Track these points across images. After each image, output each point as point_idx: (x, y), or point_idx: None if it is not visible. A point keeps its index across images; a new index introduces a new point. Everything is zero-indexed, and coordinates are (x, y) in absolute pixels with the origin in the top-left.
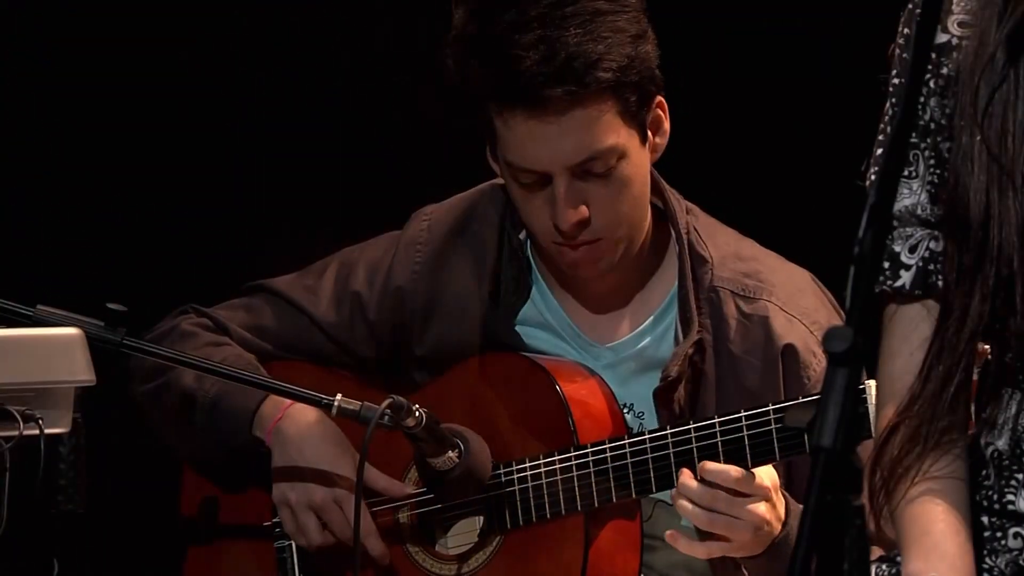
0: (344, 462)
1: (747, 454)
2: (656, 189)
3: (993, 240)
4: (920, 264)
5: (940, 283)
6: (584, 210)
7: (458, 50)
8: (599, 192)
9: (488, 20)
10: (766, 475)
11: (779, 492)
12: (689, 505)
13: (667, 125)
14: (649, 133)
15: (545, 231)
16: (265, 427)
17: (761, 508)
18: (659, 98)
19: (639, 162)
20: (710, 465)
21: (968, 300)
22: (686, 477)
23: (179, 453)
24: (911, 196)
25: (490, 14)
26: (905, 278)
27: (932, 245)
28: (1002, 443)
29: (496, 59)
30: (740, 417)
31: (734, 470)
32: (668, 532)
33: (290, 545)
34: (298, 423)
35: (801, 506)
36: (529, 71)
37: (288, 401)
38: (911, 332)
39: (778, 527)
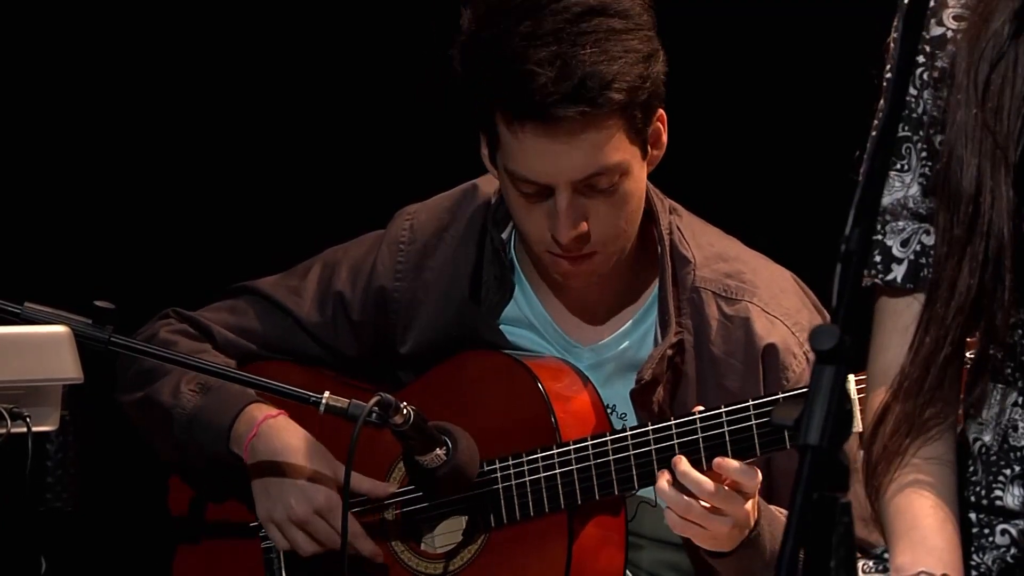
0: (322, 471)
1: (728, 451)
2: None
3: (984, 215)
4: (912, 258)
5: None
6: (584, 225)
7: (469, 55)
8: (600, 208)
9: (502, 29)
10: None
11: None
12: (670, 491)
13: (665, 138)
14: (648, 146)
15: (541, 240)
16: (241, 444)
17: (748, 506)
18: (660, 111)
19: (639, 177)
20: (727, 461)
21: (956, 273)
22: (685, 464)
23: (165, 459)
24: (903, 189)
25: (504, 23)
26: (897, 272)
27: (924, 239)
28: (989, 438)
29: (509, 72)
30: (720, 414)
31: (746, 467)
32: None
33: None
34: (271, 439)
35: (772, 508)
36: (543, 89)
37: (260, 417)
38: (902, 326)
39: (751, 525)
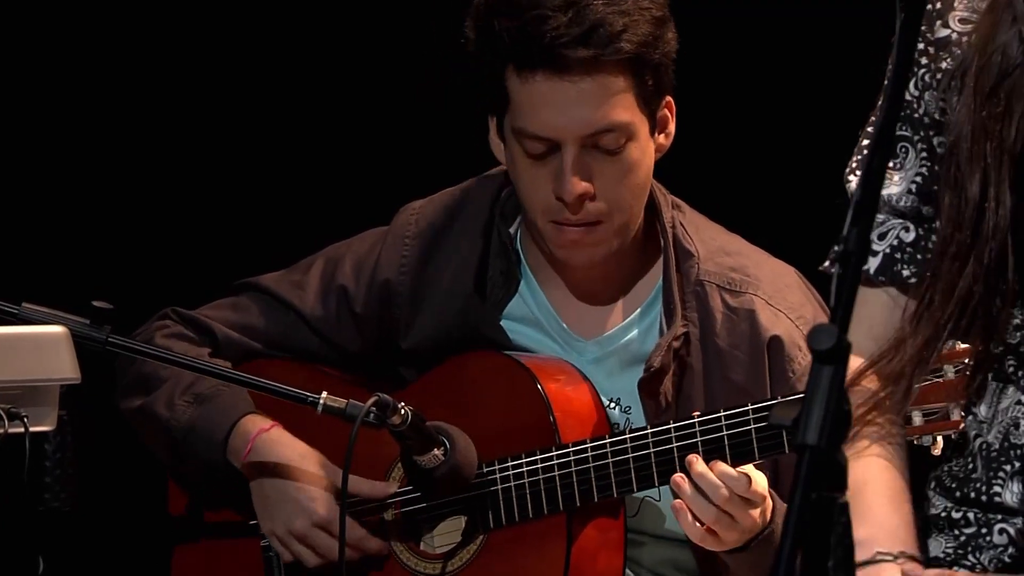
0: (320, 482)
1: (727, 454)
2: None
3: (988, 220)
4: (888, 251)
5: (905, 272)
6: (589, 185)
7: (482, 12)
8: (605, 170)
9: None
10: (763, 479)
11: (769, 494)
12: (696, 496)
13: (672, 127)
14: (656, 128)
15: (545, 207)
16: (238, 458)
17: (755, 513)
18: (669, 98)
19: (645, 150)
20: (723, 467)
21: (957, 276)
22: (701, 466)
23: (166, 464)
24: (891, 186)
25: None
26: (871, 263)
27: (902, 235)
28: (991, 436)
29: (523, 18)
30: (720, 417)
31: (743, 476)
32: (675, 502)
33: None
34: (267, 454)
35: (786, 504)
36: (555, 31)
37: (254, 431)
38: (868, 317)
39: (762, 526)
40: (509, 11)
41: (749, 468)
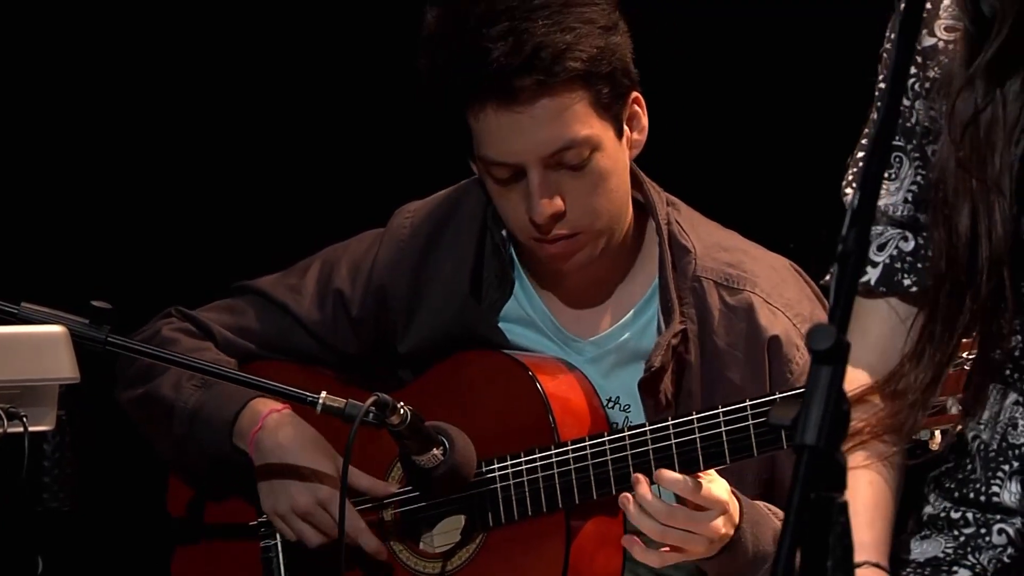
0: (326, 465)
1: (725, 450)
2: (635, 182)
3: (982, 253)
4: (887, 262)
5: (906, 282)
6: (559, 202)
7: (430, 50)
8: (573, 185)
9: (457, 17)
10: (720, 486)
11: (732, 497)
12: (641, 515)
13: (645, 121)
14: (626, 128)
15: (522, 226)
16: (245, 438)
17: (718, 522)
18: (635, 93)
19: (615, 156)
20: (667, 474)
21: (957, 311)
22: (643, 488)
23: (166, 458)
24: (887, 197)
25: (459, 11)
26: (871, 274)
27: (901, 244)
28: (988, 436)
29: (465, 53)
30: (718, 413)
31: (691, 480)
32: (624, 536)
33: (275, 544)
34: (276, 433)
35: (760, 505)
36: (497, 62)
37: (265, 411)
38: (869, 329)
39: (732, 532)
40: (451, 46)
41: (708, 474)
